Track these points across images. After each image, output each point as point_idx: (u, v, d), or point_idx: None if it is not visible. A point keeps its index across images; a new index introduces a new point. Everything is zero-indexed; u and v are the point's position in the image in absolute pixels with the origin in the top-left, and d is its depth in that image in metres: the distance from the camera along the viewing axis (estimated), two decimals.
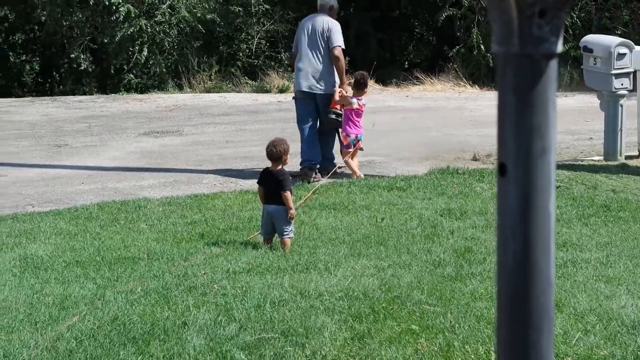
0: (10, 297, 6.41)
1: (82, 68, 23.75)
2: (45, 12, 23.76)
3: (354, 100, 11.56)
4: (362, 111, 11.65)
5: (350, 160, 11.56)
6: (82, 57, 23.69)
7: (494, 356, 5.15)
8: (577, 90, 19.94)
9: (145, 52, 23.47)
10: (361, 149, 11.75)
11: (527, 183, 1.48)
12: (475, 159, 12.65)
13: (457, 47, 23.77)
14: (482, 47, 23.22)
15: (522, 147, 1.49)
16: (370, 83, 21.48)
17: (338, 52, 11.67)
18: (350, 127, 11.54)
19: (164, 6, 23.67)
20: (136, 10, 23.10)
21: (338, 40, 11.73)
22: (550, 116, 1.49)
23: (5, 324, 5.76)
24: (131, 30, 23.05)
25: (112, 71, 24.14)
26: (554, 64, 1.50)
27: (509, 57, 1.51)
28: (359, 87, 11.70)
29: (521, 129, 1.49)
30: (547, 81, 1.49)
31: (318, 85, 11.65)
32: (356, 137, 11.59)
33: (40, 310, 6.04)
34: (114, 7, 22.91)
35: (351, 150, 11.57)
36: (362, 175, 11.43)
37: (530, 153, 1.48)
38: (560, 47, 1.50)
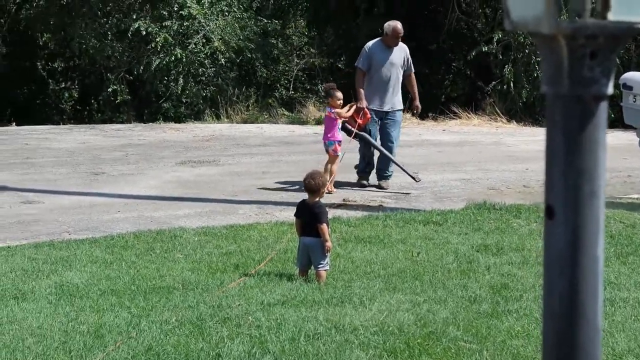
0: (46, 324, 6.42)
1: (119, 100, 23.97)
2: (81, 42, 23.96)
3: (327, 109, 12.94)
4: (330, 118, 12.67)
5: (329, 165, 12.62)
6: (119, 89, 23.90)
7: None
8: (615, 127, 19.81)
9: (181, 82, 23.62)
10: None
11: (575, 227, 1.45)
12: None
13: (494, 82, 23.72)
14: (517, 84, 23.13)
15: (571, 190, 1.46)
16: (407, 116, 21.45)
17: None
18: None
19: (198, 36, 23.81)
20: (172, 40, 23.27)
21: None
22: (600, 159, 1.47)
23: (40, 352, 5.78)
24: (167, 60, 23.23)
25: (152, 99, 24.30)
26: (604, 106, 1.48)
27: (558, 97, 1.49)
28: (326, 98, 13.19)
29: (570, 172, 1.46)
30: (597, 123, 1.47)
31: None
32: (325, 143, 12.76)
33: (74, 339, 6.04)
34: (150, 37, 23.11)
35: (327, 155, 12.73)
36: (330, 189, 12.17)
37: (578, 196, 1.46)
38: (611, 89, 1.48)
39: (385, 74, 12.93)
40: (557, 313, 1.46)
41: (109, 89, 23.97)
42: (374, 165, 13.18)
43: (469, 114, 22.68)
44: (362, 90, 12.83)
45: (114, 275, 8.02)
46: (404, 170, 12.99)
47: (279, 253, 8.78)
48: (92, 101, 25.85)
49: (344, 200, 11.90)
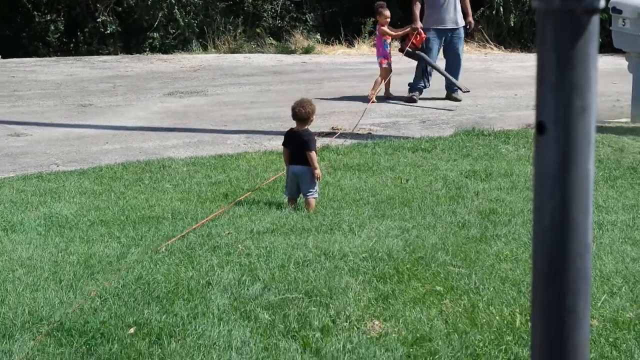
0: (35, 255, 6.43)
1: (108, 32, 23.70)
2: None
3: None
4: (377, 35, 14.30)
5: (379, 78, 14.00)
6: (108, 20, 23.64)
7: (519, 318, 5.13)
8: (604, 52, 19.73)
9: (177, 13, 23.32)
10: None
11: (566, 142, 1.44)
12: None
13: (482, 8, 23.55)
14: (506, 9, 22.98)
15: (562, 106, 1.44)
16: (395, 44, 21.38)
17: None
18: None
19: None
20: None
21: None
22: (591, 75, 1.45)
23: (30, 282, 5.79)
24: None
25: (139, 31, 24.02)
26: (595, 20, 1.45)
27: (549, 13, 1.46)
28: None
29: (561, 87, 1.44)
30: (588, 38, 1.44)
31: None
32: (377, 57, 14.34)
33: (64, 269, 6.05)
34: None
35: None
36: (372, 96, 13.54)
37: (569, 112, 1.44)
38: (602, 3, 1.45)
39: None
40: (548, 228, 1.45)
41: (98, 20, 23.69)
42: (428, 83, 14.13)
43: None
44: (417, 13, 13.76)
45: (103, 206, 8.02)
46: (454, 82, 13.77)
47: (268, 184, 8.78)
48: (79, 33, 25.57)
49: (332, 128, 11.87)
